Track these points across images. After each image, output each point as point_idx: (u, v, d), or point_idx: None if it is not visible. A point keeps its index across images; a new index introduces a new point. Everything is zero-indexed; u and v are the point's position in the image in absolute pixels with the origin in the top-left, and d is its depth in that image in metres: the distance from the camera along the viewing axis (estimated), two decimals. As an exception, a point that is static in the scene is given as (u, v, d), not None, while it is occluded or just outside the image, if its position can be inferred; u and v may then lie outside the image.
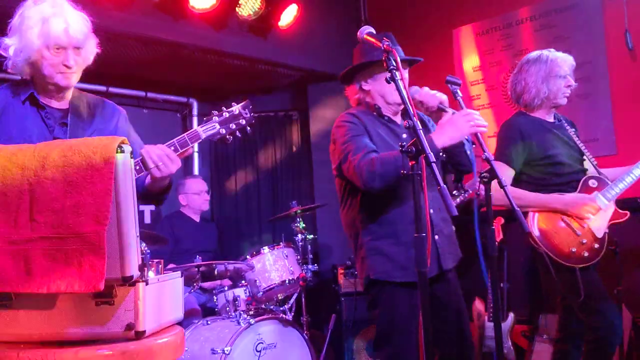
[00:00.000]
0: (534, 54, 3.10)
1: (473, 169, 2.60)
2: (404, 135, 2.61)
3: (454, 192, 3.61)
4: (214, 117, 2.18)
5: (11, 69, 2.06)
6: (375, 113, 2.65)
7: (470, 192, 3.74)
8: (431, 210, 2.49)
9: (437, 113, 2.55)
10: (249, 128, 2.23)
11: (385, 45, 2.07)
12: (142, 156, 1.99)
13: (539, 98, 3.04)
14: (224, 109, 2.20)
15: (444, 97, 2.51)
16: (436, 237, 2.54)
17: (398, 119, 2.69)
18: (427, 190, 2.37)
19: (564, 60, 3.05)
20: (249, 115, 2.21)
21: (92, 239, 1.39)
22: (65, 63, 2.02)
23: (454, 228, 2.71)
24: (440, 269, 2.54)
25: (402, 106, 2.52)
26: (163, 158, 1.99)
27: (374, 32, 2.22)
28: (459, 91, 2.52)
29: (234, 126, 2.19)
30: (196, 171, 5.47)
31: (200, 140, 2.14)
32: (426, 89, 2.58)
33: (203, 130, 2.14)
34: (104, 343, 1.49)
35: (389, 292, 2.53)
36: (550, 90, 3.02)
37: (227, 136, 2.19)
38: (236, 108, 2.20)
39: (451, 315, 2.57)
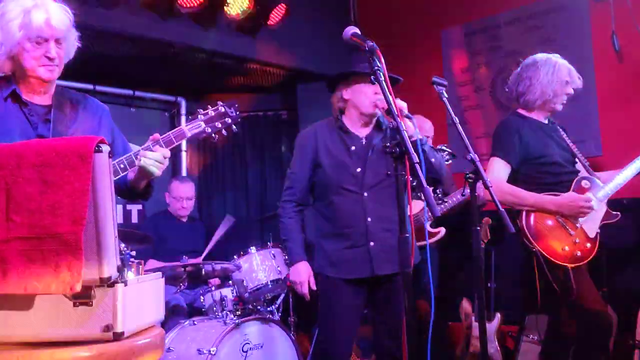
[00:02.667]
0: (542, 56, 3.11)
1: (442, 173, 2.75)
2: (353, 148, 2.78)
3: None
4: (199, 116, 2.18)
5: None
6: (337, 123, 2.84)
7: (449, 202, 3.77)
8: (369, 219, 2.71)
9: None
10: (234, 127, 2.23)
11: (369, 46, 2.07)
12: (142, 163, 2.00)
13: (542, 99, 3.05)
14: (210, 107, 2.21)
15: (403, 104, 2.58)
16: (371, 244, 2.70)
17: (364, 130, 2.83)
18: (367, 200, 2.71)
19: (570, 69, 3.08)
20: (234, 113, 2.21)
21: (69, 240, 1.38)
22: (47, 55, 1.98)
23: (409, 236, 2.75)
24: (372, 273, 2.71)
25: (376, 117, 2.81)
26: (163, 161, 2.03)
27: (359, 32, 2.21)
28: (444, 92, 2.52)
29: (219, 125, 2.19)
30: (184, 171, 5.44)
31: (186, 138, 2.14)
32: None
33: (188, 128, 2.14)
34: (82, 344, 1.47)
35: (328, 283, 2.80)
36: (554, 94, 3.03)
37: (213, 135, 2.19)
38: (222, 106, 2.20)
39: (389, 312, 2.76)
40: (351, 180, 2.74)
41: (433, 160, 2.68)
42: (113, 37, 4.13)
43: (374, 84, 2.11)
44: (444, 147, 4.01)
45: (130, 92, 5.10)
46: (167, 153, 2.03)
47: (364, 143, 2.80)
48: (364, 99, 2.74)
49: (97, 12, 3.79)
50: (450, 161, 4.03)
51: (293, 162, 2.92)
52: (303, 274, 2.86)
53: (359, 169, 2.74)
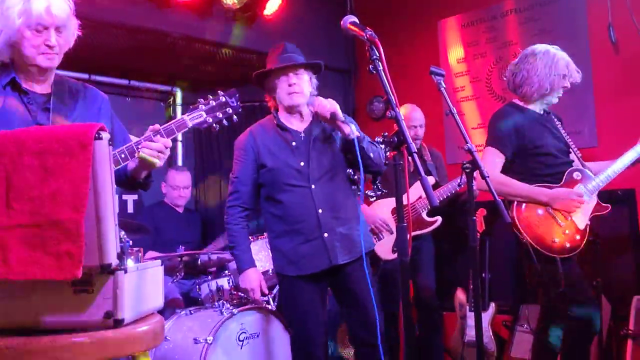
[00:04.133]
0: (541, 47, 3.09)
1: (382, 166, 2.76)
2: (294, 143, 2.81)
3: (370, 192, 3.65)
4: (200, 106, 2.17)
5: None
6: (275, 121, 2.86)
7: (444, 190, 3.78)
8: (320, 210, 2.74)
9: (332, 122, 2.66)
10: (235, 117, 2.23)
11: (367, 35, 2.07)
12: (143, 154, 1.98)
13: (539, 93, 3.05)
14: (210, 97, 2.19)
15: (335, 107, 2.63)
16: (325, 235, 2.73)
17: (301, 124, 2.86)
18: (316, 192, 2.73)
19: (568, 62, 3.07)
20: (235, 104, 2.21)
21: (69, 227, 1.38)
22: (47, 43, 1.97)
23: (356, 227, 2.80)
24: (330, 264, 2.74)
25: (299, 108, 2.82)
26: (164, 151, 2.01)
27: (358, 21, 2.21)
28: (442, 82, 2.53)
29: (220, 115, 2.18)
30: (180, 161, 5.43)
31: (187, 128, 2.12)
32: (320, 99, 2.71)
33: (190, 118, 2.13)
34: (82, 331, 1.49)
35: (288, 283, 2.84)
36: (551, 87, 3.03)
37: (214, 125, 2.19)
38: (223, 96, 2.20)
39: (355, 302, 2.79)
40: (296, 175, 2.76)
41: (372, 155, 2.70)
42: (109, 27, 4.10)
43: (372, 73, 2.11)
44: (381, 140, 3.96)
45: (126, 81, 5.07)
46: (169, 143, 2.02)
47: (302, 137, 2.82)
48: (281, 92, 2.78)
49: (93, 1, 3.76)
50: (388, 152, 3.99)
51: (234, 166, 2.91)
52: (254, 281, 2.88)
53: (302, 163, 2.77)
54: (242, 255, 2.91)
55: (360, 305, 2.77)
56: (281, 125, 2.85)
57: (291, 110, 2.84)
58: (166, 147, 2.02)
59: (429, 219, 3.88)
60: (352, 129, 2.64)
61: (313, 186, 2.75)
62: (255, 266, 2.94)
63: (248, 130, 2.94)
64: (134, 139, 2.13)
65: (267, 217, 2.90)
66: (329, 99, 2.68)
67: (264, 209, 2.92)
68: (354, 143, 2.56)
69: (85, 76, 4.63)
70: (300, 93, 2.78)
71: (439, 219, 3.90)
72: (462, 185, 2.93)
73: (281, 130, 2.85)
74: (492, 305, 4.00)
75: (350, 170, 2.77)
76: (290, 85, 2.76)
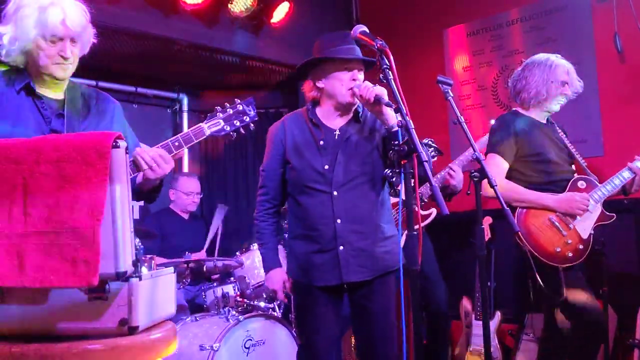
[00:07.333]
0: (542, 56, 3.14)
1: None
2: (322, 142, 2.55)
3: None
4: (217, 114, 2.17)
5: (4, 57, 2.01)
6: (307, 114, 2.63)
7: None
8: (338, 221, 2.48)
9: (375, 107, 2.37)
10: (252, 125, 2.23)
11: (378, 45, 2.08)
12: (135, 158, 1.97)
13: (536, 99, 3.09)
14: (228, 105, 2.20)
15: (380, 91, 2.34)
16: (340, 248, 2.47)
17: (339, 122, 2.59)
18: (337, 199, 2.49)
19: (569, 69, 3.10)
20: (253, 112, 2.22)
21: (86, 234, 1.39)
22: (62, 54, 1.98)
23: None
24: (340, 280, 2.49)
25: (353, 107, 2.56)
26: (157, 159, 1.99)
27: (367, 31, 2.22)
28: (450, 91, 2.52)
29: (238, 123, 2.18)
30: (186, 167, 5.44)
31: (205, 137, 2.13)
32: (367, 82, 2.45)
33: (208, 126, 2.13)
34: (97, 338, 1.49)
35: (301, 289, 2.62)
36: (548, 94, 3.06)
37: (231, 133, 2.19)
38: (240, 104, 2.20)
39: (365, 325, 2.56)
40: (318, 178, 2.51)
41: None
42: (116, 34, 4.13)
43: (382, 82, 2.12)
44: (430, 142, 3.83)
45: (132, 88, 5.09)
46: (161, 151, 2.01)
47: (336, 137, 2.55)
48: (340, 87, 2.48)
49: (100, 8, 3.77)
50: (435, 158, 3.92)
51: (264, 158, 2.71)
52: (276, 282, 2.68)
53: (326, 166, 2.51)
54: (267, 254, 2.72)
55: (369, 324, 2.53)
56: (314, 120, 2.59)
57: (345, 107, 2.55)
58: (164, 160, 2.00)
59: (423, 213, 3.76)
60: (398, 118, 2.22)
61: (335, 192, 2.49)
62: (280, 266, 2.72)
63: (282, 119, 2.70)
64: (143, 146, 2.14)
65: (289, 215, 2.68)
66: (377, 85, 2.36)
67: (288, 206, 2.70)
68: (396, 135, 2.12)
69: (93, 83, 4.64)
70: None
71: (434, 211, 3.80)
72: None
73: (312, 126, 2.59)
74: (498, 313, 3.99)
75: (389, 171, 2.46)
76: (354, 80, 2.46)
